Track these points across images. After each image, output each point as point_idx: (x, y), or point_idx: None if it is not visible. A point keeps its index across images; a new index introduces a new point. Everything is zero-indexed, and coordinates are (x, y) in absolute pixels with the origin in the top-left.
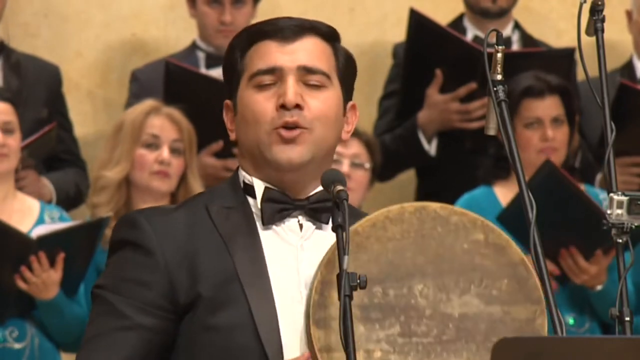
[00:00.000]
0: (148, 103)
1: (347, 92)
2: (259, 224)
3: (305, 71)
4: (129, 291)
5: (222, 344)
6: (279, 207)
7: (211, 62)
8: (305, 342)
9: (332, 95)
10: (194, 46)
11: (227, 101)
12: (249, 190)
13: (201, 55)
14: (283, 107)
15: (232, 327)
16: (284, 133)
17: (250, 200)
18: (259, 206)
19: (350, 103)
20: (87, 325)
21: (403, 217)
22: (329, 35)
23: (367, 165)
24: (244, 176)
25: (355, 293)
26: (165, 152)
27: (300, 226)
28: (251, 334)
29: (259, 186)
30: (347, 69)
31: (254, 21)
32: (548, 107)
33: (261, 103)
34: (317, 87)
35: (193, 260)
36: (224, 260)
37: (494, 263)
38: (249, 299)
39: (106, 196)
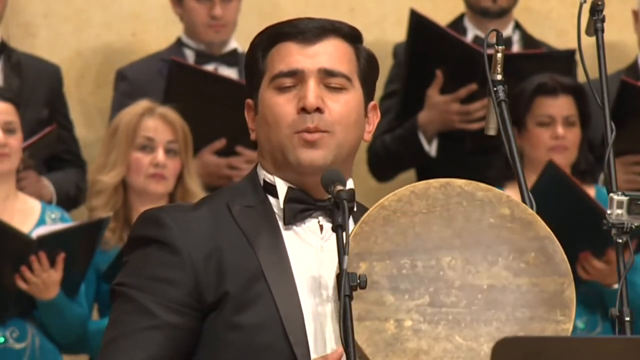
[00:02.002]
0: (141, 104)
1: (369, 92)
2: (280, 224)
3: (326, 74)
4: (155, 289)
5: (249, 343)
6: (301, 208)
7: (201, 59)
8: (330, 339)
9: (352, 97)
10: (180, 43)
11: (249, 100)
12: (270, 189)
13: (189, 53)
14: (304, 110)
15: (259, 326)
16: (307, 136)
17: (271, 199)
18: (282, 206)
19: (371, 103)
20: (110, 322)
21: (428, 192)
22: (351, 36)
23: None
24: (265, 175)
25: (382, 264)
26: (160, 155)
27: (321, 227)
28: (279, 333)
29: (282, 186)
30: (368, 70)
31: (252, 19)
32: (561, 106)
33: (282, 105)
34: (338, 89)
35: (219, 258)
36: (249, 259)
37: (521, 237)
38: (276, 298)
39: (103, 200)
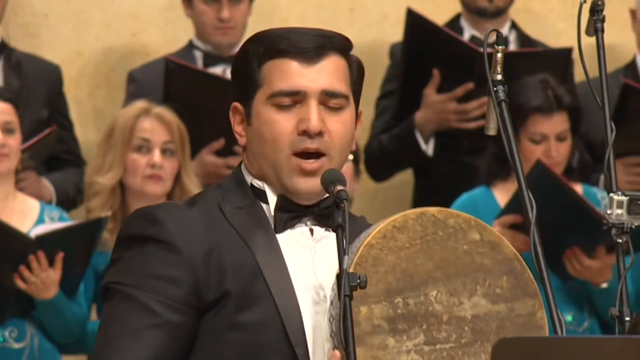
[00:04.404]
0: (137, 105)
1: (357, 101)
2: (272, 225)
3: (327, 95)
4: (155, 288)
5: (250, 342)
6: (291, 215)
7: (209, 61)
8: (327, 338)
9: (348, 115)
10: (191, 45)
11: (237, 104)
12: (258, 193)
13: (198, 55)
14: (305, 132)
15: (260, 325)
16: (305, 165)
17: (261, 202)
18: (272, 212)
19: (358, 111)
20: (107, 320)
21: (407, 225)
22: (345, 48)
23: (349, 156)
24: (252, 179)
25: (379, 306)
26: (156, 156)
27: (311, 230)
28: (279, 333)
29: (272, 195)
30: (358, 80)
31: (252, 19)
32: (555, 124)
33: (281, 124)
34: (336, 109)
35: (218, 256)
36: (246, 258)
37: (491, 261)
38: (275, 297)
39: (100, 201)
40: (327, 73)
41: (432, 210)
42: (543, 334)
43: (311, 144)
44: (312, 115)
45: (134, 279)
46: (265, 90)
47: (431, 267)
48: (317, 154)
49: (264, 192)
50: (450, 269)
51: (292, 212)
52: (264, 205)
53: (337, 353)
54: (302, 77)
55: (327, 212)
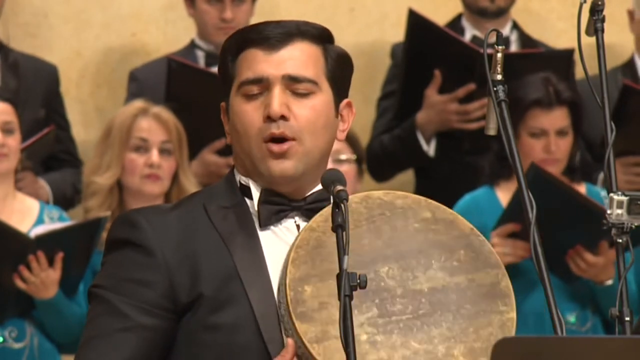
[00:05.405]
0: (135, 105)
1: (340, 91)
2: (257, 224)
3: (291, 80)
4: (129, 291)
5: (224, 343)
6: (276, 209)
7: (211, 61)
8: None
9: (320, 101)
10: (192, 45)
11: (223, 103)
12: (246, 191)
13: (200, 54)
14: (269, 118)
15: (234, 325)
16: (274, 148)
17: (248, 200)
18: (256, 208)
19: (344, 101)
20: (86, 324)
21: (351, 208)
22: (318, 37)
23: (352, 157)
24: (240, 177)
25: (325, 284)
26: (154, 155)
27: (297, 227)
28: (253, 333)
29: (256, 188)
30: (338, 69)
31: (253, 19)
32: (555, 118)
33: (249, 113)
34: (305, 95)
35: (193, 259)
36: (224, 260)
37: (447, 237)
38: (250, 298)
39: (98, 201)
40: (290, 58)
41: (378, 193)
42: (509, 302)
43: (276, 129)
44: (274, 100)
45: (111, 282)
46: (236, 82)
47: (380, 245)
48: (284, 139)
49: (249, 189)
50: (401, 247)
51: (276, 205)
52: (249, 203)
53: (291, 341)
54: (265, 63)
55: (315, 206)
